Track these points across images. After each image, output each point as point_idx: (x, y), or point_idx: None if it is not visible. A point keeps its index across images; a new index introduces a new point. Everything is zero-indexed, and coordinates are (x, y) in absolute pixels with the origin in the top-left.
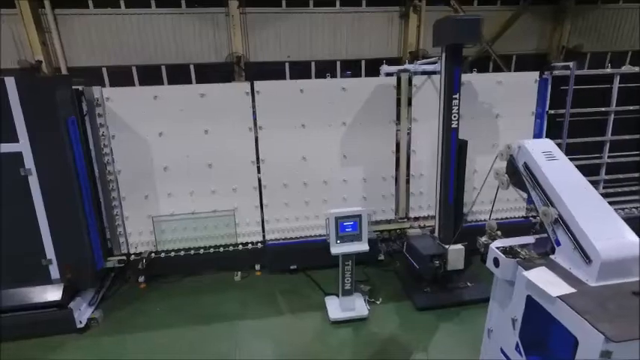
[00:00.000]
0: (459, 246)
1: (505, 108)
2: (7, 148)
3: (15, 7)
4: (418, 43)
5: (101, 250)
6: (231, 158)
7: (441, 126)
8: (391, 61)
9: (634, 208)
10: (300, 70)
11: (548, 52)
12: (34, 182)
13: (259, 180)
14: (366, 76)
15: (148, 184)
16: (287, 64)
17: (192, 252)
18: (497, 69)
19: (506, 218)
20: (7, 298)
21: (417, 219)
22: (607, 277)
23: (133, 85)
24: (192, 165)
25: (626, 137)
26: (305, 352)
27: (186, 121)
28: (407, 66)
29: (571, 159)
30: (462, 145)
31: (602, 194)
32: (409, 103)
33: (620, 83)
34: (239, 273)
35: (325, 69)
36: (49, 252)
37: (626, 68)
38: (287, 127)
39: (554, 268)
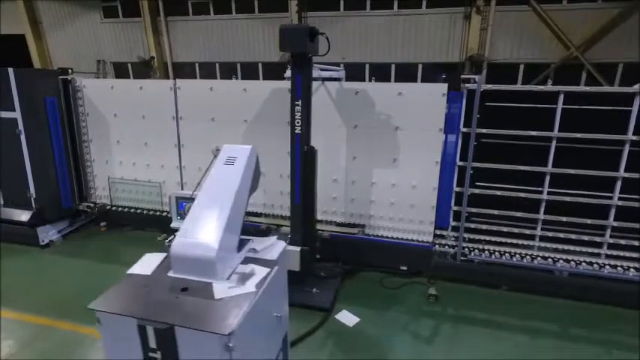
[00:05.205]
0: (295, 248)
1: (407, 121)
2: (7, 114)
3: (140, 17)
4: (482, 47)
5: (70, 194)
6: (160, 140)
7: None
8: (448, 67)
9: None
10: (354, 72)
11: None
12: (23, 139)
13: (180, 161)
14: (422, 81)
15: (107, 152)
16: (342, 65)
17: (132, 210)
18: (592, 80)
19: (411, 240)
20: None
21: (319, 222)
22: (181, 271)
23: (216, 78)
24: (134, 142)
25: (571, 172)
26: None
27: (131, 107)
28: None
29: (491, 187)
30: (310, 152)
31: (540, 237)
32: None
33: (567, 104)
34: (163, 235)
35: (381, 71)
36: (32, 189)
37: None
38: (200, 120)
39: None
